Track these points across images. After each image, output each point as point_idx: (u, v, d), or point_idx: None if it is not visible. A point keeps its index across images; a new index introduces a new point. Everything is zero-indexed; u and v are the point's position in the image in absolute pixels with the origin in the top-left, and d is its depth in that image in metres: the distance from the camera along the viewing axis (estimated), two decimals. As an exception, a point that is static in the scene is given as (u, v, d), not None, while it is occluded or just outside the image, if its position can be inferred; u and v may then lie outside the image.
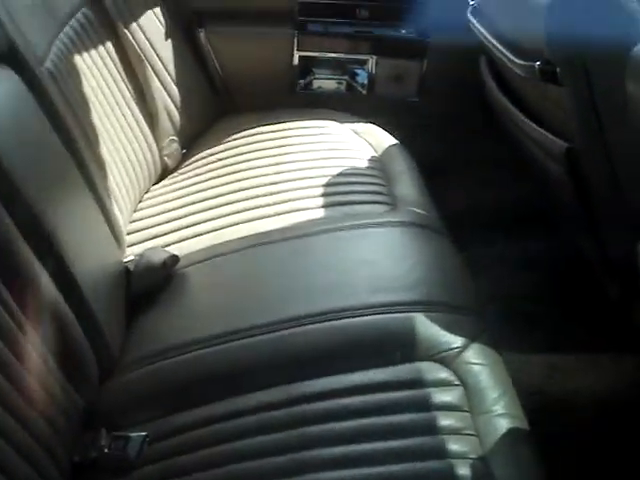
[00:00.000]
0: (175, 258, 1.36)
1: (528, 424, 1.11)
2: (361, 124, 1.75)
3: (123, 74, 1.58)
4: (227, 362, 1.19)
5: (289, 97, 1.90)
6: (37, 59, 1.27)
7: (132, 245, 1.47)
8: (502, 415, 1.09)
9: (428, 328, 1.18)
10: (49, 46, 1.35)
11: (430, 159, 1.74)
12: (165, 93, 1.69)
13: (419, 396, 1.10)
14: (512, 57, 1.40)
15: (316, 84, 1.91)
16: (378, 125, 1.76)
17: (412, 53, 1.87)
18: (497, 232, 1.83)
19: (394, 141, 1.70)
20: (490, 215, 1.88)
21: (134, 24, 1.65)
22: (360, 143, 1.68)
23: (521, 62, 1.37)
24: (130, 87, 1.59)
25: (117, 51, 1.57)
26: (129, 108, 1.57)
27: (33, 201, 1.09)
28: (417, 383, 1.12)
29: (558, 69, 1.26)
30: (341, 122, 1.75)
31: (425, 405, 1.09)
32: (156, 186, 1.65)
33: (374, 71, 1.88)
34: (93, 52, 1.50)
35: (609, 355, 1.54)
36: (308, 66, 1.89)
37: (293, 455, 1.04)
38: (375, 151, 1.65)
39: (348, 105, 1.86)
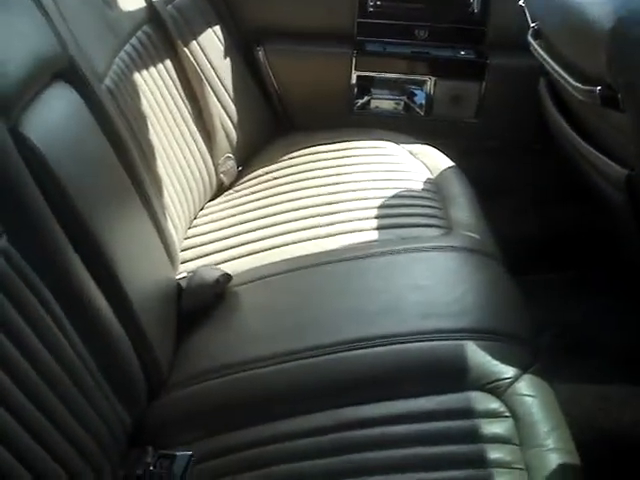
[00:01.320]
0: (227, 276, 1.36)
1: (580, 459, 1.08)
2: (418, 145, 1.73)
3: (182, 92, 1.59)
4: (274, 384, 1.18)
5: (346, 117, 1.89)
6: (97, 76, 1.29)
7: (185, 262, 1.48)
8: (553, 450, 1.06)
9: (478, 357, 1.15)
10: (109, 63, 1.37)
11: (487, 181, 1.72)
12: (223, 111, 1.70)
13: (468, 427, 1.08)
14: (572, 81, 1.37)
15: (374, 104, 1.90)
16: (435, 146, 1.75)
17: (471, 74, 1.86)
18: (552, 257, 1.80)
19: (450, 163, 1.68)
20: (545, 239, 1.85)
21: (193, 42, 1.67)
22: (416, 164, 1.66)
23: (581, 86, 1.34)
24: (188, 104, 1.60)
25: (176, 69, 1.58)
26: (186, 125, 1.58)
27: (87, 216, 1.10)
28: (466, 413, 1.09)
29: (619, 94, 1.23)
30: (397, 143, 1.73)
31: (474, 436, 1.07)
32: (211, 203, 1.65)
33: (432, 92, 1.87)
34: (152, 70, 1.52)
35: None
36: (366, 86, 1.88)
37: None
38: (431, 173, 1.64)
39: (405, 126, 1.85)
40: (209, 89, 1.66)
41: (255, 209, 1.57)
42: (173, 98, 1.56)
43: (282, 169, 1.68)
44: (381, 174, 1.62)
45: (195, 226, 1.58)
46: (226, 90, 1.73)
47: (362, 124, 1.83)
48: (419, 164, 1.67)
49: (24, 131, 1.04)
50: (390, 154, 1.70)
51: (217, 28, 1.76)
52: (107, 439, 1.06)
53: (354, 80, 1.87)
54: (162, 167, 1.45)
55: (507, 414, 1.09)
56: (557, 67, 1.44)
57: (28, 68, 1.10)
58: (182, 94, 1.59)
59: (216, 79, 1.71)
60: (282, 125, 1.90)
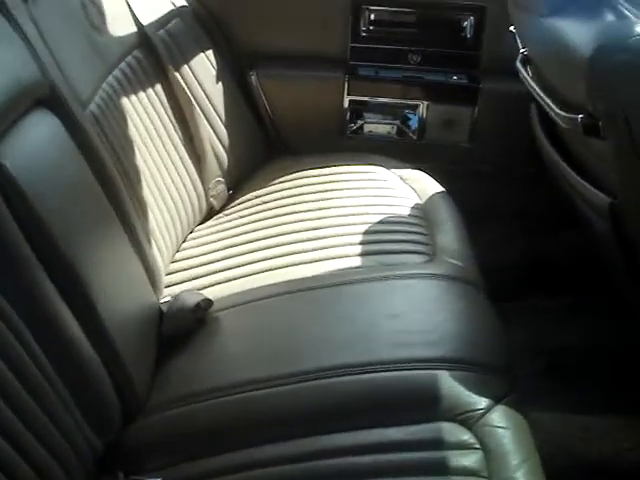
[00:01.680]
0: (208, 302, 1.36)
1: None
2: (408, 170, 1.73)
3: (172, 116, 1.60)
4: (246, 412, 1.18)
5: (339, 141, 1.90)
6: (81, 102, 1.31)
7: (171, 285, 1.48)
8: (522, 484, 1.06)
9: (451, 387, 1.15)
10: (96, 89, 1.39)
11: (478, 206, 1.72)
12: (214, 135, 1.71)
13: (437, 458, 1.07)
14: (556, 108, 1.37)
15: (367, 128, 1.90)
16: (428, 171, 1.74)
17: (463, 99, 1.86)
18: (540, 284, 1.78)
19: (440, 188, 1.68)
20: (534, 266, 1.84)
21: (185, 67, 1.68)
22: (405, 190, 1.66)
23: (564, 114, 1.34)
24: (178, 129, 1.61)
25: (166, 93, 1.60)
26: (176, 150, 1.59)
27: (63, 242, 1.11)
28: (436, 444, 1.09)
29: (600, 123, 1.23)
30: (388, 168, 1.73)
31: (442, 468, 1.06)
32: (201, 226, 1.66)
33: (425, 116, 1.87)
34: (142, 94, 1.53)
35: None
36: (359, 110, 1.88)
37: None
38: (420, 198, 1.63)
39: (398, 150, 1.85)
40: (200, 113, 1.67)
41: (242, 233, 1.58)
42: (163, 123, 1.58)
43: (272, 193, 1.69)
44: (369, 199, 1.62)
45: (183, 249, 1.59)
46: (218, 114, 1.74)
47: (355, 148, 1.84)
48: (408, 189, 1.66)
49: (0, 159, 1.06)
50: (380, 179, 1.70)
51: (210, 53, 1.77)
52: (74, 464, 1.06)
53: (346, 104, 1.87)
54: (148, 192, 1.46)
55: (477, 446, 1.08)
56: (542, 94, 1.44)
57: (6, 95, 1.12)
58: (172, 119, 1.60)
59: (208, 103, 1.72)
60: (275, 149, 1.90)
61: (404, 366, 1.18)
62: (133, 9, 1.59)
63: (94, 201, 1.27)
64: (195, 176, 1.64)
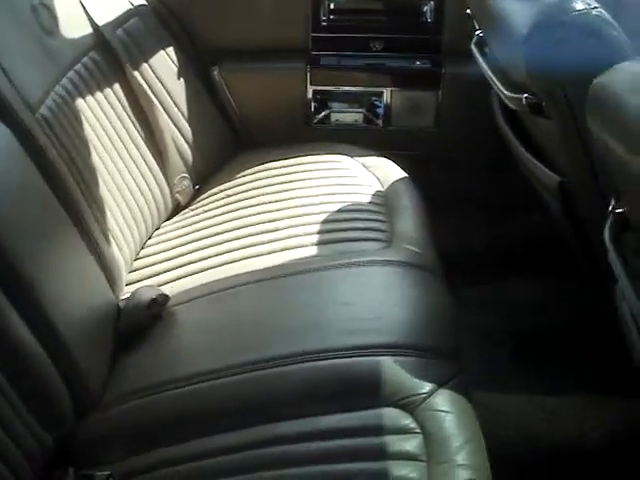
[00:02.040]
0: (165, 297, 1.38)
1: (490, 475, 1.07)
2: (373, 158, 1.73)
3: (132, 115, 1.61)
4: (198, 403, 1.20)
5: (306, 131, 1.90)
6: (29, 106, 1.32)
7: (134, 282, 1.50)
8: (461, 466, 1.05)
9: (395, 373, 1.15)
10: (47, 92, 1.40)
11: (444, 193, 1.71)
12: (177, 132, 1.72)
13: (376, 444, 1.08)
14: (503, 89, 1.37)
15: (334, 117, 1.91)
16: (395, 158, 1.74)
17: (427, 84, 1.86)
18: (507, 267, 1.78)
19: (403, 175, 1.68)
20: (501, 249, 1.83)
21: (145, 65, 1.69)
22: (368, 177, 1.66)
23: (511, 94, 1.33)
24: (139, 128, 1.62)
25: (125, 92, 1.61)
26: (137, 148, 1.60)
27: (9, 245, 1.13)
28: (376, 430, 1.09)
29: (544, 102, 1.22)
30: (352, 156, 1.74)
31: (381, 453, 1.07)
32: (167, 223, 1.67)
33: (390, 103, 1.87)
34: (99, 95, 1.54)
35: (613, 398, 1.46)
36: (324, 100, 1.89)
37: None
38: (382, 185, 1.64)
39: (366, 138, 1.85)
40: (161, 111, 1.68)
41: (205, 228, 1.59)
42: (122, 122, 1.59)
43: (236, 187, 1.70)
44: (330, 188, 1.62)
45: (148, 246, 1.60)
46: (180, 111, 1.75)
47: (323, 138, 1.84)
48: (371, 177, 1.67)
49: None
50: (343, 168, 1.70)
51: (171, 50, 1.78)
52: (19, 462, 1.08)
53: (310, 95, 1.88)
54: (106, 191, 1.47)
55: (418, 430, 1.09)
56: (492, 75, 1.44)
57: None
58: (132, 118, 1.61)
59: (170, 101, 1.73)
60: (242, 143, 1.91)
61: (350, 353, 1.19)
62: (88, 10, 1.60)
63: (44, 204, 1.29)
64: (158, 173, 1.65)
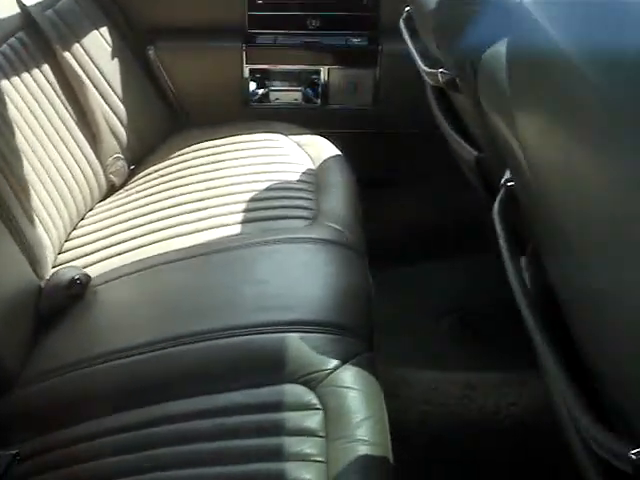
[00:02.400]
0: (86, 276, 1.39)
1: (391, 450, 1.08)
2: (307, 136, 1.72)
3: (62, 96, 1.60)
4: (105, 381, 1.20)
5: (246, 110, 1.89)
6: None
7: (64, 263, 1.50)
8: (359, 441, 1.05)
9: (300, 349, 1.16)
10: (-33, 75, 1.41)
11: (380, 171, 1.71)
12: (110, 112, 1.72)
13: (276, 420, 1.08)
14: (422, 64, 1.36)
15: (273, 96, 1.90)
16: (333, 137, 1.74)
17: (364, 61, 1.85)
18: (437, 247, 1.77)
19: (336, 153, 1.67)
20: (432, 229, 1.82)
21: (76, 45, 1.68)
22: (301, 156, 1.66)
23: (428, 69, 1.33)
24: (70, 109, 1.61)
25: (55, 73, 1.60)
26: (68, 129, 1.60)
27: None
28: (278, 406, 1.10)
29: (457, 77, 1.22)
30: (287, 135, 1.73)
31: (280, 429, 1.07)
32: (101, 203, 1.67)
33: (327, 81, 1.86)
34: (26, 75, 1.54)
35: (535, 374, 1.46)
36: (262, 79, 1.88)
37: (141, 477, 1.06)
38: (314, 164, 1.64)
39: (306, 116, 1.85)
40: (93, 91, 1.68)
41: (136, 208, 1.59)
42: (52, 103, 1.58)
43: (170, 166, 1.70)
44: (261, 167, 1.62)
45: (80, 227, 1.60)
46: (115, 91, 1.75)
47: (262, 117, 1.83)
48: (303, 155, 1.66)
49: None
50: (275, 146, 1.70)
51: (105, 30, 1.77)
52: None
53: (246, 74, 1.87)
54: (32, 172, 1.47)
55: (319, 406, 1.10)
56: (413, 50, 1.43)
57: None
58: (63, 99, 1.61)
59: (103, 81, 1.72)
60: (180, 122, 1.90)
61: (257, 330, 1.19)
62: (16, -9, 1.60)
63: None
64: (91, 154, 1.64)
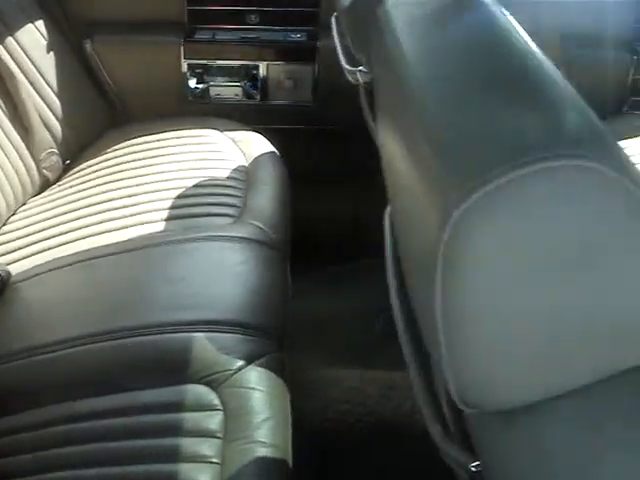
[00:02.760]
0: (7, 273, 1.37)
1: (290, 452, 1.07)
2: (243, 132, 1.71)
3: (-8, 90, 1.60)
4: (14, 380, 1.20)
5: (186, 105, 1.87)
6: None
7: (-10, 259, 1.50)
8: (257, 443, 1.05)
9: (205, 349, 1.15)
10: None
11: (317, 168, 1.70)
12: (45, 106, 1.70)
13: (175, 420, 1.08)
14: (344, 63, 1.35)
15: (214, 92, 1.88)
16: (271, 133, 1.72)
17: (303, 57, 1.83)
18: (374, 246, 1.75)
19: (270, 150, 1.66)
20: (363, 227, 1.81)
21: (9, 39, 1.66)
22: (234, 152, 1.65)
23: (349, 68, 1.32)
24: (1, 102, 1.60)
25: (-14, 67, 1.59)
26: (-2, 123, 1.59)
27: None
28: (179, 407, 1.10)
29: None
30: (222, 131, 1.72)
31: (179, 430, 1.07)
32: (34, 199, 1.66)
33: (266, 77, 1.84)
34: (-46, 69, 1.53)
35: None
36: (201, 74, 1.86)
37: (39, 477, 1.05)
38: (246, 160, 1.62)
39: (246, 112, 1.84)
40: (26, 84, 1.66)
41: (68, 203, 1.57)
42: (-19, 97, 1.57)
43: (104, 161, 1.68)
44: (193, 163, 1.61)
45: (10, 223, 1.59)
46: (49, 86, 1.72)
47: (203, 112, 1.82)
48: (237, 152, 1.65)
49: None
50: (210, 142, 1.68)
51: (40, 24, 1.74)
52: None
53: (185, 69, 1.84)
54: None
55: (219, 407, 1.09)
56: (339, 48, 1.42)
57: None
58: (-7, 92, 1.60)
59: (36, 74, 1.70)
60: (119, 117, 1.89)
61: (167, 329, 1.19)
62: (-54, -16, 1.59)
63: None
64: (23, 149, 1.62)
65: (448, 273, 0.48)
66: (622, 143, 1.75)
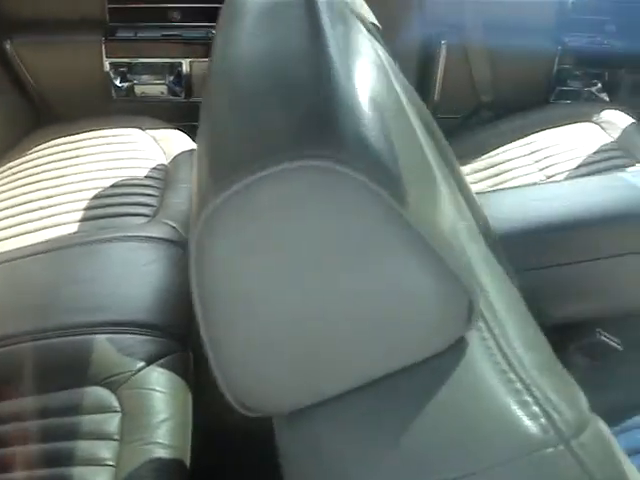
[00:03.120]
0: None
1: (189, 452, 1.07)
2: (165, 131, 1.70)
3: None
4: None
5: (110, 105, 1.86)
6: None
7: None
8: (154, 444, 1.05)
9: (107, 350, 1.15)
10: None
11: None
12: (-37, 108, 1.68)
13: (74, 423, 1.07)
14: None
15: (139, 90, 1.86)
16: (193, 130, 1.70)
17: (225, 54, 1.80)
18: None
19: (192, 148, 1.65)
20: None
21: None
22: (155, 151, 1.63)
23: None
24: None
25: None
26: None
27: None
28: (77, 409, 1.09)
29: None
30: (145, 129, 1.71)
31: (77, 433, 1.06)
32: (-53, 203, 1.65)
33: (190, 74, 1.83)
34: None
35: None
36: (125, 73, 1.84)
37: None
38: (167, 159, 1.61)
39: (172, 110, 1.82)
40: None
41: (-17, 206, 1.57)
42: None
43: (26, 162, 1.66)
44: (112, 163, 1.59)
45: None
46: (-32, 88, 1.71)
47: (128, 111, 1.80)
48: (158, 150, 1.64)
49: None
50: (130, 141, 1.67)
51: (-44, 24, 1.73)
52: None
53: (107, 67, 1.83)
54: None
55: (118, 409, 1.09)
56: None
57: None
58: None
59: (-46, 77, 1.69)
60: (44, 118, 1.86)
61: (67, 332, 1.18)
62: None
63: None
64: (-61, 152, 1.62)
65: (199, 270, 0.49)
66: (548, 132, 1.76)
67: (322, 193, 0.44)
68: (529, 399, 0.45)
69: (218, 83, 0.62)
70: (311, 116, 0.45)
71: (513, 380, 0.46)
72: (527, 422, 0.44)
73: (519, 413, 0.44)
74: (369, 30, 1.01)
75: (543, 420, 0.44)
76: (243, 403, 0.51)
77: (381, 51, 0.92)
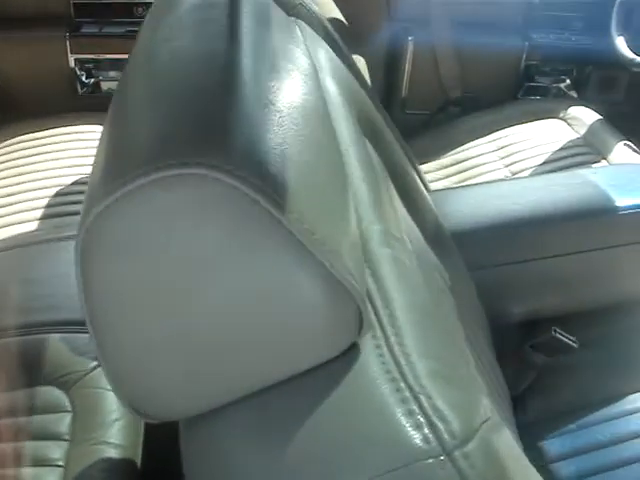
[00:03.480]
0: None
1: (140, 452, 1.06)
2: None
3: None
4: None
5: (77, 101, 1.84)
6: None
7: None
8: (104, 443, 1.04)
9: (59, 350, 1.14)
10: None
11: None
12: None
13: (25, 424, 1.06)
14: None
15: (105, 86, 1.85)
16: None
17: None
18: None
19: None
20: None
21: None
22: (118, 148, 1.63)
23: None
24: None
25: None
26: None
27: None
28: (29, 410, 1.08)
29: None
30: (108, 126, 1.69)
31: (26, 434, 1.06)
32: None
33: (156, 70, 1.81)
34: None
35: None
36: (90, 69, 1.83)
37: None
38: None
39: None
40: None
41: (-54, 204, 1.56)
42: None
43: (-12, 160, 1.66)
44: (74, 160, 1.58)
45: None
46: None
47: (95, 107, 1.79)
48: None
49: None
50: (94, 139, 1.65)
51: None
52: None
53: (72, 64, 1.81)
54: None
55: (69, 408, 1.08)
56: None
57: None
58: None
59: None
60: (8, 115, 1.83)
61: (19, 332, 1.17)
62: None
63: None
64: None
65: (84, 272, 0.49)
66: (515, 129, 1.76)
67: (202, 201, 0.44)
68: (415, 408, 0.45)
69: (131, 75, 0.61)
70: (202, 123, 0.45)
71: (402, 389, 0.46)
72: (410, 432, 0.44)
73: (403, 422, 0.44)
74: (317, 31, 1.00)
75: (426, 430, 0.44)
76: (137, 409, 0.51)
77: (324, 54, 0.91)
